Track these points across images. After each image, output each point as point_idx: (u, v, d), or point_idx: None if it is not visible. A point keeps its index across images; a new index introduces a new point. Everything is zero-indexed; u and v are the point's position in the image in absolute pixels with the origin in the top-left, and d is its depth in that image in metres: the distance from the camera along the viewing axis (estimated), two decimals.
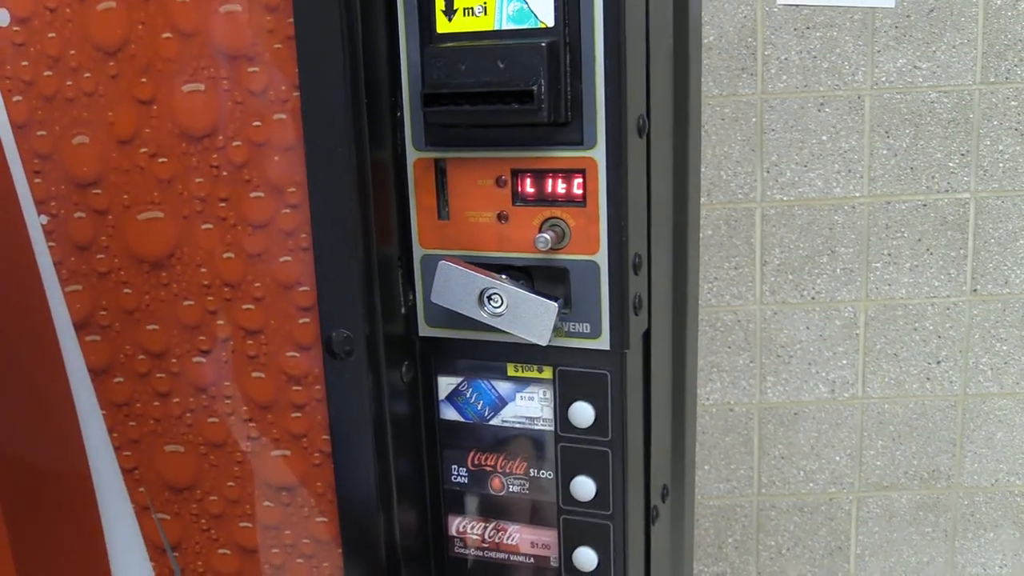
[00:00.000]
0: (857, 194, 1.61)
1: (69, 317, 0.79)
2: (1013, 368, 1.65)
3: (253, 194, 0.73)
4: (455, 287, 0.71)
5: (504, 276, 0.71)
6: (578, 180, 0.69)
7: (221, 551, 0.81)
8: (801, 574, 1.76)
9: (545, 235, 0.69)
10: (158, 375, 0.78)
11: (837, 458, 1.70)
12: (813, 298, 1.64)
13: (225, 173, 0.73)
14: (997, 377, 1.66)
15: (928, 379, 1.67)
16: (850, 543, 1.74)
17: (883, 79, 1.56)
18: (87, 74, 0.73)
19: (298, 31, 0.69)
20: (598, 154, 0.67)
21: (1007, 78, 1.55)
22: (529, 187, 0.70)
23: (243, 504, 0.80)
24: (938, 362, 1.66)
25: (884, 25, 1.54)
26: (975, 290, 1.63)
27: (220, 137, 0.72)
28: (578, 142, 0.68)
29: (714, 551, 1.75)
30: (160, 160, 0.74)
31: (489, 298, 0.71)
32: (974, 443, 1.68)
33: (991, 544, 1.73)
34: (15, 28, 0.74)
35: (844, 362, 1.66)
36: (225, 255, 0.74)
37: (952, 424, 1.68)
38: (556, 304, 0.69)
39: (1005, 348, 1.65)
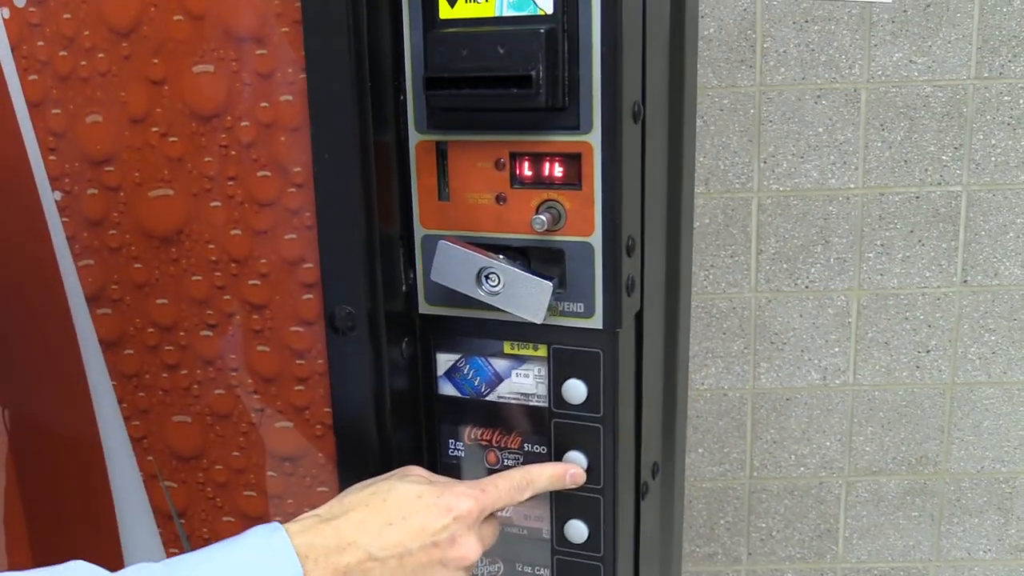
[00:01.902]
0: (852, 185, 1.63)
1: (81, 291, 0.81)
2: (1001, 358, 1.68)
3: (260, 173, 0.75)
4: (454, 266, 0.74)
5: (501, 256, 0.74)
6: (574, 164, 0.71)
7: (226, 519, 0.84)
8: (790, 555, 1.80)
9: (541, 217, 0.71)
10: (167, 348, 0.81)
11: (827, 443, 1.73)
12: (807, 287, 1.67)
13: (233, 152, 0.75)
14: (985, 366, 1.69)
15: (918, 367, 1.70)
16: (839, 526, 1.77)
17: (879, 73, 1.59)
18: (101, 54, 0.76)
19: (305, 15, 0.71)
20: (594, 139, 0.70)
21: (1001, 73, 1.57)
22: (527, 170, 0.73)
23: (247, 473, 0.82)
24: (928, 351, 1.69)
25: (881, 19, 1.56)
26: (965, 281, 1.66)
27: (229, 117, 0.75)
28: (574, 127, 0.70)
29: (706, 532, 1.78)
30: (171, 139, 0.76)
31: (487, 277, 0.73)
32: (961, 430, 1.72)
33: (976, 529, 1.77)
34: (31, 9, 0.76)
35: (836, 349, 1.69)
36: (232, 232, 0.77)
37: (940, 412, 1.71)
38: (551, 284, 0.72)
39: (993, 338, 1.68)
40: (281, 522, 0.65)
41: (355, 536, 0.65)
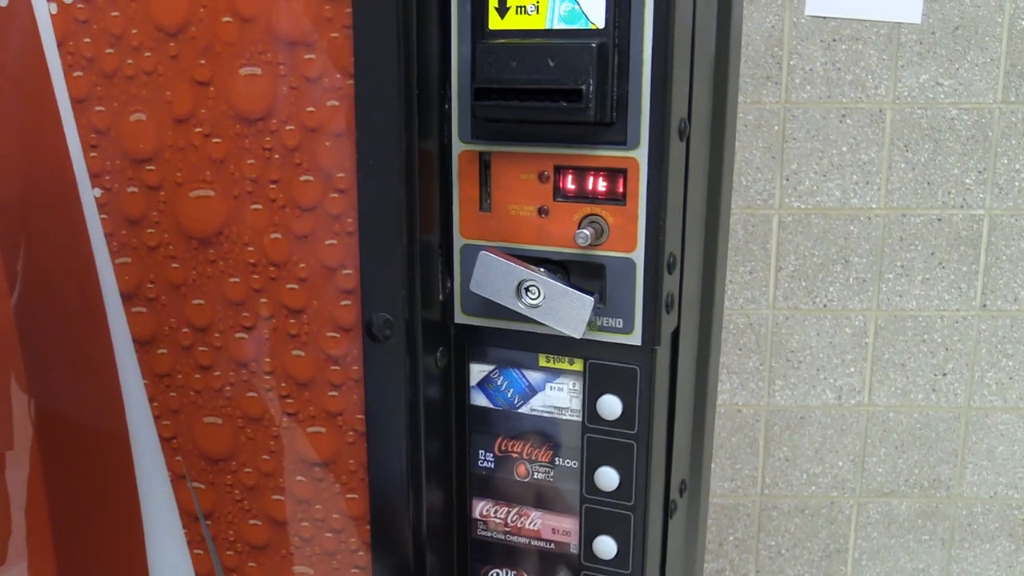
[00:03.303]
0: (873, 205, 1.63)
1: (117, 288, 0.81)
2: (1018, 383, 1.68)
3: (303, 177, 0.75)
4: (494, 277, 0.74)
5: (542, 269, 0.74)
6: (619, 179, 0.71)
7: (252, 522, 0.84)
8: (799, 574, 1.79)
9: (585, 231, 0.71)
10: (201, 348, 0.81)
11: (840, 463, 1.73)
12: (825, 305, 1.67)
13: (277, 156, 0.75)
14: (1002, 391, 1.69)
15: (934, 390, 1.69)
16: (849, 547, 1.77)
17: (905, 94, 1.58)
18: (148, 53, 0.76)
19: (356, 21, 0.71)
20: (640, 155, 0.70)
21: None
22: (571, 184, 0.73)
23: (276, 477, 0.82)
24: (944, 374, 1.68)
25: (909, 40, 1.56)
26: (984, 305, 1.65)
27: (274, 121, 0.74)
28: (622, 142, 0.70)
29: (715, 548, 1.78)
30: (214, 140, 0.76)
31: (527, 290, 0.73)
32: (975, 455, 1.71)
33: (987, 555, 1.76)
34: (79, 5, 0.76)
35: (852, 369, 1.69)
36: (272, 235, 0.77)
37: (955, 435, 1.71)
38: (592, 298, 0.72)
39: (1011, 363, 1.68)
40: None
41: None
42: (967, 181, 1.61)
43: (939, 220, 1.63)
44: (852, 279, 1.66)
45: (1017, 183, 1.60)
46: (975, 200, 1.62)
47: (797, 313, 1.68)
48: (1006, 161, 1.59)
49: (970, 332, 1.67)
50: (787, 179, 1.63)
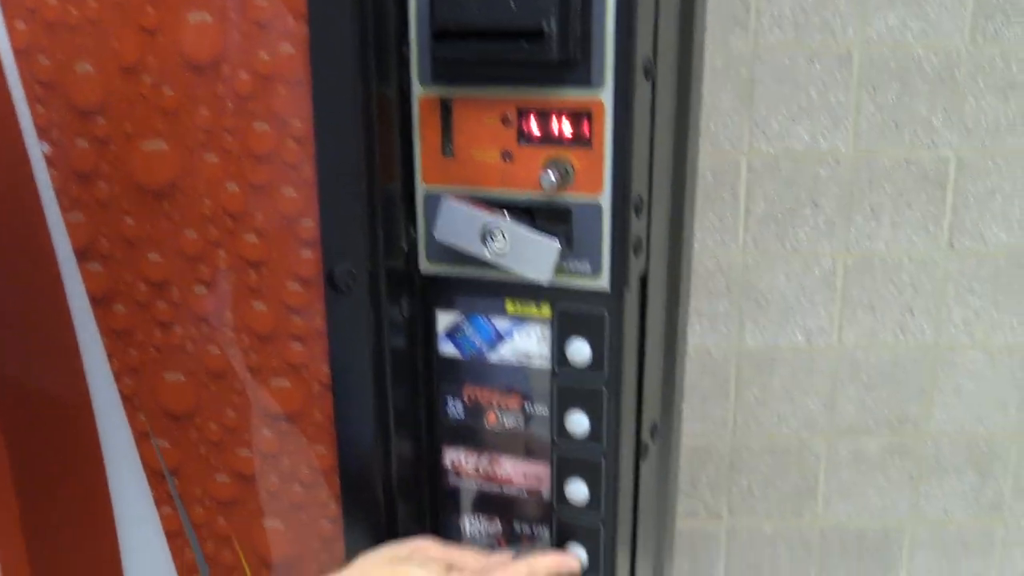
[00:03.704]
0: (842, 148, 1.62)
1: (70, 245, 0.79)
2: (984, 321, 1.70)
3: (258, 126, 0.73)
4: (458, 224, 0.72)
5: (507, 214, 0.72)
6: (584, 121, 0.69)
7: (219, 478, 0.83)
8: (770, 513, 1.82)
9: (550, 174, 0.70)
10: (159, 304, 0.79)
11: (810, 403, 1.75)
12: (794, 248, 1.67)
13: (230, 104, 0.73)
14: (968, 329, 1.70)
15: (902, 330, 1.71)
16: (819, 485, 1.80)
17: (873, 36, 1.57)
18: (91, 1, 0.72)
19: None
20: (605, 95, 0.68)
21: (994, 38, 1.56)
22: (535, 126, 0.71)
23: (242, 432, 0.81)
24: (912, 313, 1.70)
25: None
26: (952, 245, 1.66)
27: (225, 68, 0.72)
28: (586, 82, 0.68)
29: (688, 488, 1.80)
30: (164, 90, 0.73)
31: (492, 236, 0.72)
32: (943, 392, 1.73)
33: (953, 489, 1.80)
34: None
35: (821, 311, 1.70)
36: (228, 187, 0.75)
37: (922, 373, 1.72)
38: (558, 243, 0.70)
39: (978, 302, 1.69)
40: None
41: None
42: (935, 122, 1.61)
43: (907, 161, 1.62)
44: (821, 222, 1.66)
45: (984, 123, 1.60)
46: (943, 141, 1.61)
47: (766, 256, 1.68)
48: (973, 101, 1.59)
49: (937, 272, 1.68)
50: (756, 123, 1.61)
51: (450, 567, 0.73)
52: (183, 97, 0.73)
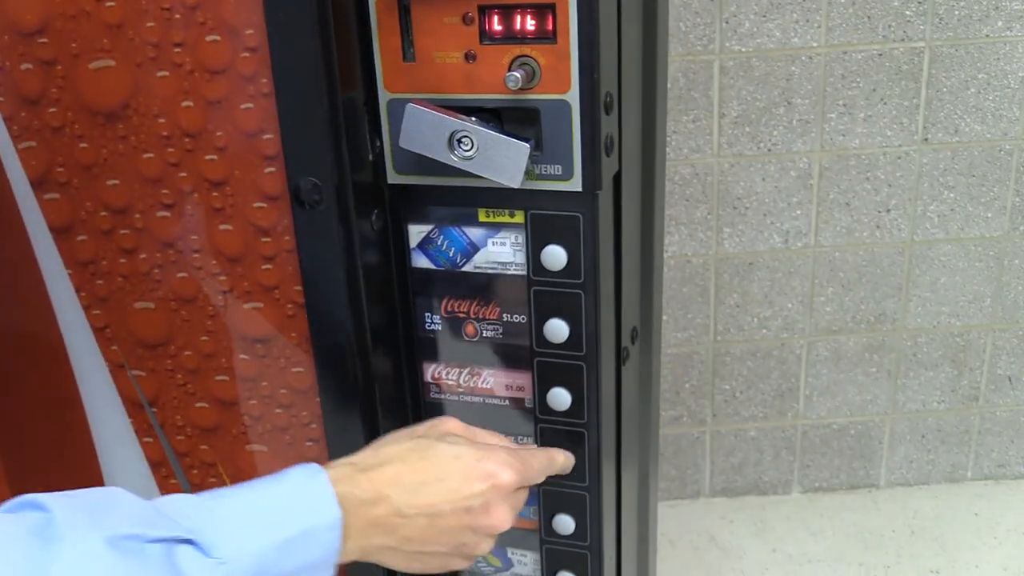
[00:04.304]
0: (814, 44, 1.60)
1: (25, 176, 0.76)
2: (959, 215, 1.70)
3: (209, 37, 0.70)
4: (424, 131, 0.70)
5: (474, 118, 0.70)
6: (548, 15, 0.67)
7: (199, 404, 0.82)
8: (753, 415, 1.85)
9: (515, 74, 0.67)
10: (122, 231, 0.77)
11: (789, 305, 1.76)
12: (769, 150, 1.66)
13: (177, 16, 0.69)
14: (943, 223, 1.71)
15: (878, 227, 1.71)
16: (800, 385, 1.82)
17: None
18: None
19: None
20: None
21: None
22: (497, 24, 0.68)
23: (218, 358, 0.80)
24: (888, 210, 1.70)
25: None
26: (926, 139, 1.65)
27: None
28: None
29: (671, 396, 1.82)
30: (107, 4, 0.70)
31: (459, 141, 0.70)
32: (919, 287, 1.75)
33: (930, 382, 1.83)
34: None
35: (798, 212, 1.69)
36: (184, 104, 0.72)
37: (899, 270, 1.74)
38: (527, 145, 0.68)
39: (952, 195, 1.69)
40: (320, 463, 0.63)
41: (388, 490, 0.63)
42: (907, 13, 1.58)
43: (880, 55, 1.60)
44: (795, 121, 1.64)
45: (956, 12, 1.58)
46: (915, 32, 1.59)
47: (742, 160, 1.67)
48: None
49: (912, 167, 1.67)
50: (726, 22, 1.58)
51: (473, 443, 0.71)
52: (128, 10, 0.69)
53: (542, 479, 0.75)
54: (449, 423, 0.73)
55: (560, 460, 0.79)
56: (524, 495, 0.73)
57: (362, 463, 0.65)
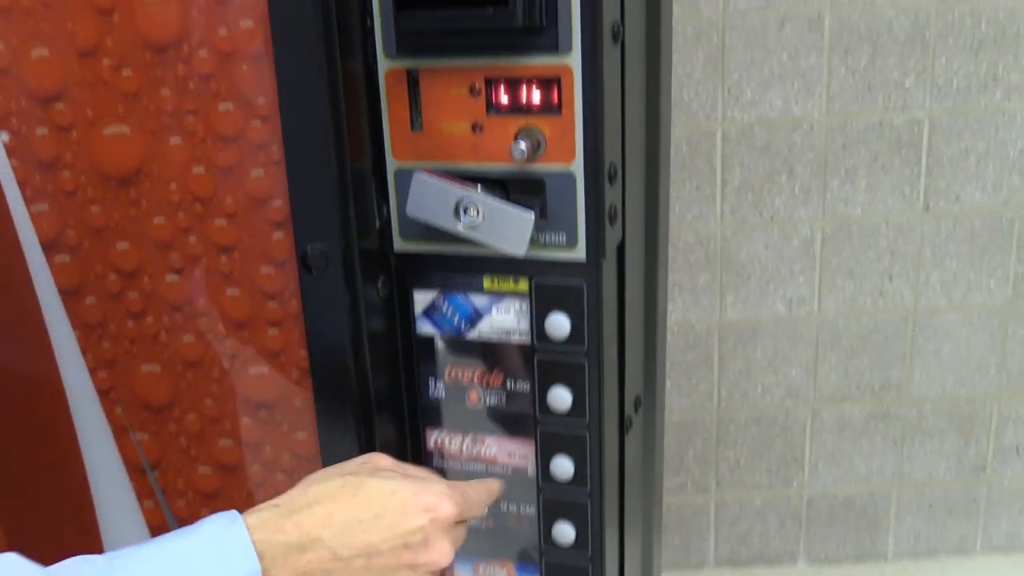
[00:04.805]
0: (815, 113, 1.62)
1: (37, 238, 0.77)
2: (961, 283, 1.71)
3: (222, 106, 0.71)
4: (430, 199, 0.71)
5: (479, 187, 0.71)
6: (554, 88, 0.68)
7: (201, 469, 0.82)
8: (758, 484, 1.83)
9: (521, 144, 0.68)
10: (130, 294, 0.77)
11: (793, 372, 1.75)
12: (772, 217, 1.67)
13: (192, 85, 0.71)
14: (947, 291, 1.71)
15: (881, 295, 1.71)
16: (804, 453, 1.80)
17: None
18: None
19: None
20: (573, 60, 0.67)
21: None
22: (504, 96, 0.70)
23: (222, 422, 0.80)
24: (891, 278, 1.70)
25: None
26: (927, 207, 1.67)
27: (185, 47, 0.70)
28: (553, 48, 0.67)
29: (675, 463, 1.80)
30: (124, 72, 0.72)
31: (465, 210, 0.71)
32: (923, 355, 1.74)
33: (937, 451, 1.81)
34: None
35: (801, 279, 1.70)
36: (195, 170, 0.73)
37: (903, 338, 1.73)
38: (533, 214, 0.69)
39: (955, 264, 1.70)
40: (239, 511, 0.59)
41: (319, 532, 0.59)
42: (906, 84, 1.60)
43: (880, 124, 1.62)
44: (797, 189, 1.66)
45: (955, 83, 1.60)
46: (915, 102, 1.61)
47: (745, 226, 1.68)
48: (944, 61, 1.59)
49: (914, 235, 1.68)
50: (729, 91, 1.61)
51: (407, 477, 0.66)
52: (144, 79, 0.71)
53: (482, 512, 0.72)
54: (379, 459, 0.68)
55: (496, 490, 0.75)
56: (463, 530, 0.69)
57: (288, 505, 0.60)
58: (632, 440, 0.87)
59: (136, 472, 0.83)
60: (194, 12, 0.69)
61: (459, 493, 0.66)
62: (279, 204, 0.73)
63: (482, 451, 0.82)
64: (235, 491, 0.82)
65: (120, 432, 0.82)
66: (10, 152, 0.75)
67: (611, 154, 0.71)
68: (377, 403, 0.78)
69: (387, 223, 0.76)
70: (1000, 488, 1.84)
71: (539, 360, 0.77)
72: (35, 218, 0.77)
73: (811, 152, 1.63)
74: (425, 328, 0.80)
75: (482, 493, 0.72)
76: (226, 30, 0.69)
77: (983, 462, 1.82)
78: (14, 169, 0.76)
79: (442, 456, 0.83)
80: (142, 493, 0.84)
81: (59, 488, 0.86)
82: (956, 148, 1.64)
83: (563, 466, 0.79)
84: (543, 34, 0.67)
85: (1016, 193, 1.65)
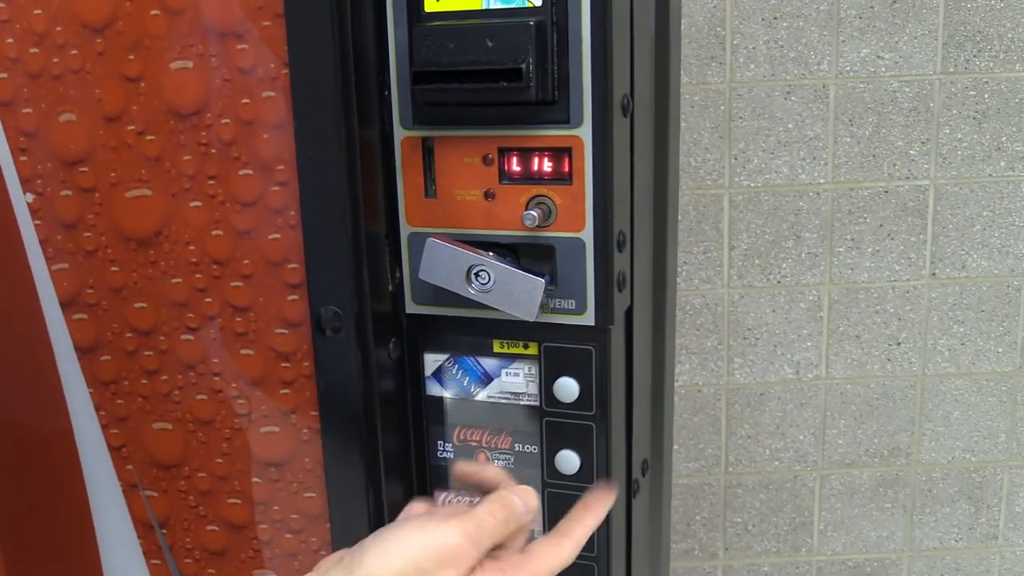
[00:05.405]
0: (821, 180, 1.64)
1: (56, 295, 0.79)
2: (969, 349, 1.71)
3: (242, 172, 0.73)
4: (443, 264, 0.72)
5: (491, 253, 0.73)
6: (564, 158, 0.70)
7: (209, 527, 0.82)
8: (766, 549, 1.81)
9: (532, 212, 0.70)
10: (146, 353, 0.79)
11: (801, 437, 1.75)
12: (779, 282, 1.68)
13: (214, 151, 0.73)
14: (954, 358, 1.71)
15: (889, 360, 1.71)
16: (813, 519, 1.79)
17: (847, 68, 1.60)
18: (74, 51, 0.73)
19: (288, 9, 0.69)
20: (584, 132, 0.69)
21: (966, 68, 1.59)
22: (516, 165, 0.72)
23: (231, 480, 0.80)
24: (898, 344, 1.71)
25: (849, 15, 1.58)
26: (934, 274, 1.68)
27: (208, 115, 0.73)
28: (564, 121, 0.69)
29: (682, 528, 1.78)
30: (148, 138, 0.74)
31: (477, 275, 0.72)
32: (932, 421, 1.74)
33: (947, 518, 1.79)
34: (0, 5, 0.74)
35: (808, 344, 1.70)
36: (214, 232, 0.75)
37: (911, 404, 1.73)
38: (543, 280, 0.71)
39: (962, 330, 1.70)
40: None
41: None
42: (911, 152, 1.63)
43: (886, 192, 1.65)
44: (804, 254, 1.67)
45: (959, 152, 1.63)
46: (920, 171, 1.64)
47: (752, 291, 1.69)
48: (948, 131, 1.62)
49: (921, 301, 1.69)
50: (735, 158, 1.64)
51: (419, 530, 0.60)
52: (167, 144, 0.73)
53: (518, 523, 0.64)
54: (412, 507, 0.66)
55: (517, 501, 0.65)
56: (521, 540, 0.64)
57: None
58: (639, 504, 0.87)
59: (144, 529, 0.84)
60: (218, 82, 0.71)
61: (473, 527, 0.61)
62: (295, 267, 0.74)
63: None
64: (242, 549, 0.83)
65: (130, 489, 0.83)
66: (34, 212, 0.77)
67: (620, 222, 0.73)
68: (386, 464, 0.79)
69: (400, 286, 0.78)
70: (1012, 557, 1.81)
71: (547, 423, 0.78)
72: (55, 276, 0.79)
73: (817, 218, 1.65)
74: (435, 389, 0.81)
75: (497, 514, 0.63)
76: (248, 99, 0.71)
77: (995, 530, 1.80)
78: (37, 228, 0.78)
79: None
80: (149, 551, 0.84)
81: (68, 544, 0.86)
82: (962, 216, 1.65)
83: None
84: (555, 107, 0.69)
85: (1022, 261, 1.67)
